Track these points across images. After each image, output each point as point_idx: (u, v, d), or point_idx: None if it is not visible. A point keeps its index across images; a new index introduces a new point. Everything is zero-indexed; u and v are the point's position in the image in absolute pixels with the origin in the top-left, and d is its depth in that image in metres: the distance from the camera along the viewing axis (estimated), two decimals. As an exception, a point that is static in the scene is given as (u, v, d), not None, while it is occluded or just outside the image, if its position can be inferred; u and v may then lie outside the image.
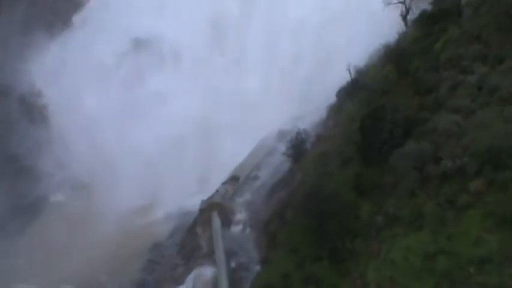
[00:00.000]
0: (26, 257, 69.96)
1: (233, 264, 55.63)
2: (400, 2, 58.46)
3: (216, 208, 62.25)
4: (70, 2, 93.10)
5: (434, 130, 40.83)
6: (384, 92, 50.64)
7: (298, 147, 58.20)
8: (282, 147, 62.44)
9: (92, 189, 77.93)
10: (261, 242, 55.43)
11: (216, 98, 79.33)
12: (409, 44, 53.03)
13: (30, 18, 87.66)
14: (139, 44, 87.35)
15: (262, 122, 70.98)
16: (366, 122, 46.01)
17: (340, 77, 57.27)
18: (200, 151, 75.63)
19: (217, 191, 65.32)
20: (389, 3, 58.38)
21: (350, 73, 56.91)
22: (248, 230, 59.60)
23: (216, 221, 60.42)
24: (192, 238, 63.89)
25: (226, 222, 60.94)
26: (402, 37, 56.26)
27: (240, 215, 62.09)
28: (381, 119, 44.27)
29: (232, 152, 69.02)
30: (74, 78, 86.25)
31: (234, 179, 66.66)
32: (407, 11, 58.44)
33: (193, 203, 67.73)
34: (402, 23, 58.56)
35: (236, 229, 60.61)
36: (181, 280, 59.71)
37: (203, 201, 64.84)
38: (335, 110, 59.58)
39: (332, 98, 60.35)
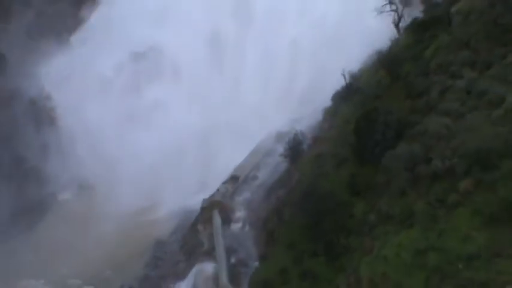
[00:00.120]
0: (34, 253, 69.91)
1: (233, 260, 55.66)
2: (393, 10, 58.52)
3: (216, 206, 62.28)
4: (75, 16, 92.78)
5: (425, 132, 40.93)
6: (377, 95, 50.75)
7: (295, 148, 58.28)
8: (280, 149, 62.58)
9: (98, 189, 77.87)
10: (260, 239, 55.45)
11: (214, 110, 78.85)
12: (401, 50, 53.08)
13: (39, 25, 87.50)
14: (139, 57, 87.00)
15: (259, 133, 70.99)
16: (359, 124, 46.13)
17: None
18: (199, 158, 75.26)
19: (218, 190, 65.38)
20: (382, 12, 58.46)
21: (345, 78, 57.00)
22: (247, 228, 59.62)
23: (217, 219, 60.46)
24: (193, 235, 63.90)
25: (227, 220, 60.98)
26: (394, 44, 56.30)
27: (240, 213, 62.11)
28: (374, 122, 44.42)
29: (230, 159, 68.72)
30: (80, 84, 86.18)
31: (234, 178, 66.73)
32: (400, 18, 58.49)
33: (194, 202, 67.66)
34: (395, 30, 58.59)
35: (236, 227, 60.65)
36: (183, 275, 59.74)
37: (204, 200, 64.88)
38: (330, 113, 59.62)
39: (328, 102, 60.41)
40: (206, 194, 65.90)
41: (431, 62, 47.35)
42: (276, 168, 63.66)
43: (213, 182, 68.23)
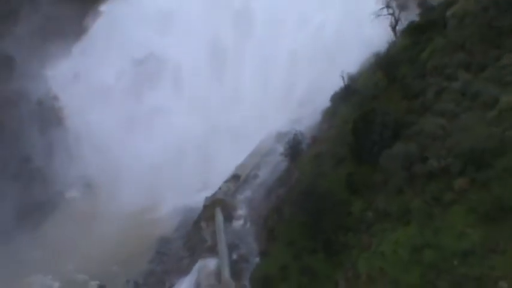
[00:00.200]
0: (42, 249, 69.92)
1: (235, 256, 55.60)
2: (390, 14, 58.55)
3: (219, 204, 62.24)
4: (81, 20, 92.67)
5: (421, 132, 40.96)
6: (374, 97, 50.77)
7: (295, 148, 58.30)
8: (280, 148, 62.64)
9: (103, 187, 77.75)
10: (261, 236, 55.44)
11: (213, 116, 78.55)
12: (398, 53, 53.10)
13: (46, 28, 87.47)
14: (142, 63, 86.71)
15: (257, 138, 70.97)
16: (357, 124, 46.12)
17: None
18: (199, 160, 75.02)
19: (220, 188, 65.32)
20: (379, 15, 58.47)
21: (343, 79, 57.02)
22: (248, 225, 59.58)
23: (219, 216, 60.43)
24: (196, 232, 63.90)
25: (228, 217, 60.93)
26: (391, 46, 56.33)
27: (241, 211, 62.04)
28: (371, 122, 44.40)
29: (229, 161, 68.54)
30: (85, 87, 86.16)
31: (235, 177, 66.68)
32: (397, 22, 58.53)
33: (197, 200, 67.69)
34: (392, 33, 58.60)
35: (237, 224, 60.58)
36: (186, 271, 59.73)
37: (207, 198, 64.87)
38: (329, 114, 59.63)
39: (327, 103, 60.42)
40: (208, 193, 65.82)
41: (427, 64, 47.36)
42: (276, 167, 63.63)
43: (213, 183, 68.01)
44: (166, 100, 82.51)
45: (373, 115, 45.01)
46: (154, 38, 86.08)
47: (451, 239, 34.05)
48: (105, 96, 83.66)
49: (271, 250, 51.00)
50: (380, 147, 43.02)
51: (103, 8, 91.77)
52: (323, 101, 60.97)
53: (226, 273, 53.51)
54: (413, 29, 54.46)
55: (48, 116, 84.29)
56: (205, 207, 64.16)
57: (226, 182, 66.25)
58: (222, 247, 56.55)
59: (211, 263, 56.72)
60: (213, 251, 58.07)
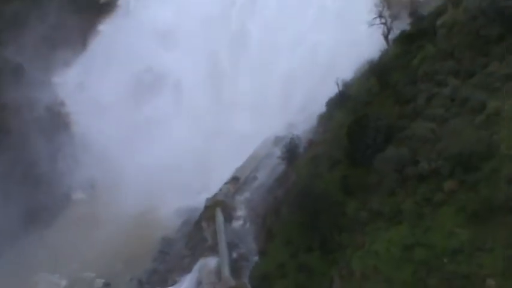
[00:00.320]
0: (50, 249, 69.86)
1: (234, 255, 55.60)
2: (382, 23, 58.55)
3: (219, 205, 62.21)
4: (89, 30, 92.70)
5: (412, 136, 41.03)
6: (367, 102, 50.81)
7: (292, 151, 58.34)
8: (278, 152, 62.73)
9: (108, 190, 77.57)
10: (259, 235, 55.47)
11: (210, 131, 78.20)
12: (390, 60, 53.12)
13: (54, 37, 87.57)
14: (144, 76, 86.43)
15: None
16: (352, 129, 46.18)
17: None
18: (198, 167, 74.47)
19: (220, 190, 65.26)
20: (372, 24, 58.51)
21: (338, 86, 57.04)
22: (248, 225, 59.58)
23: (220, 217, 60.42)
24: (198, 232, 63.87)
25: (229, 217, 60.92)
26: (384, 54, 56.31)
27: (241, 212, 62.03)
28: (365, 127, 44.47)
29: (226, 170, 68.30)
30: (89, 95, 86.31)
31: (235, 179, 66.66)
32: (389, 31, 58.50)
33: (198, 201, 67.71)
34: (384, 42, 58.65)
35: (237, 224, 60.58)
36: (188, 269, 59.71)
37: (208, 199, 64.87)
38: (325, 119, 59.60)
39: (322, 108, 60.44)
40: (209, 194, 65.84)
41: (418, 71, 47.38)
42: (274, 169, 63.62)
43: (212, 186, 67.82)
44: (166, 112, 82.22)
45: (366, 120, 45.11)
46: (154, 53, 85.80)
47: (441, 238, 34.11)
48: (107, 106, 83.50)
49: (269, 249, 51.04)
50: (373, 151, 43.07)
51: (102, 27, 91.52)
52: (318, 106, 60.92)
53: (226, 271, 53.53)
54: (404, 38, 54.52)
55: (55, 121, 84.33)
56: (206, 208, 64.15)
57: (226, 183, 66.25)
58: (222, 246, 56.55)
59: (212, 262, 56.70)
60: (213, 250, 58.05)
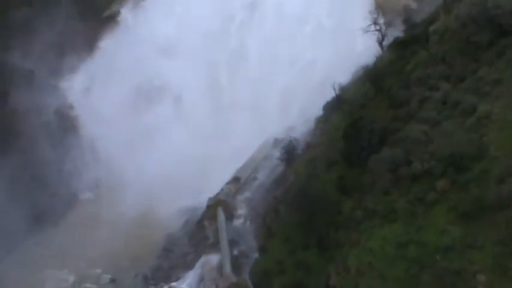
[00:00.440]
0: (58, 247, 69.87)
1: (235, 252, 55.56)
2: (377, 30, 58.60)
3: (220, 204, 62.20)
4: (95, 37, 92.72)
5: (406, 138, 40.98)
6: (363, 106, 50.82)
7: (290, 153, 58.39)
8: (277, 153, 62.82)
9: (115, 190, 77.52)
10: (259, 234, 55.43)
11: (210, 137, 77.94)
12: (385, 66, 53.13)
13: (63, 43, 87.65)
14: (147, 85, 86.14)
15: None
16: (348, 131, 46.21)
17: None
18: (198, 171, 74.14)
19: (222, 190, 65.26)
20: (367, 31, 58.54)
21: (335, 90, 57.05)
22: (248, 223, 59.56)
23: (221, 216, 60.40)
24: (200, 230, 63.88)
25: (230, 216, 60.91)
26: (379, 60, 56.34)
27: (241, 210, 62.04)
28: (360, 129, 44.50)
29: (223, 174, 68.18)
30: (94, 101, 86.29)
31: (236, 179, 66.69)
32: (383, 37, 58.55)
33: (200, 201, 67.65)
34: (379, 48, 58.66)
35: (238, 222, 60.57)
36: (191, 266, 59.71)
37: (210, 199, 64.85)
38: (322, 122, 59.63)
39: (319, 112, 60.45)
40: (211, 194, 65.79)
41: (411, 76, 47.36)
42: (274, 170, 63.69)
43: (208, 187, 67.59)
44: (166, 120, 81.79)
45: (362, 123, 45.13)
46: (155, 65, 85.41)
47: (433, 235, 34.07)
48: (110, 111, 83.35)
49: (269, 246, 51.04)
50: (368, 152, 43.06)
51: (102, 43, 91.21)
52: (316, 110, 60.93)
53: (227, 267, 53.49)
54: (398, 44, 54.51)
55: (64, 124, 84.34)
56: (208, 207, 64.16)
57: (227, 184, 66.27)
58: (224, 244, 56.52)
59: (213, 259, 56.69)
60: (215, 247, 58.05)
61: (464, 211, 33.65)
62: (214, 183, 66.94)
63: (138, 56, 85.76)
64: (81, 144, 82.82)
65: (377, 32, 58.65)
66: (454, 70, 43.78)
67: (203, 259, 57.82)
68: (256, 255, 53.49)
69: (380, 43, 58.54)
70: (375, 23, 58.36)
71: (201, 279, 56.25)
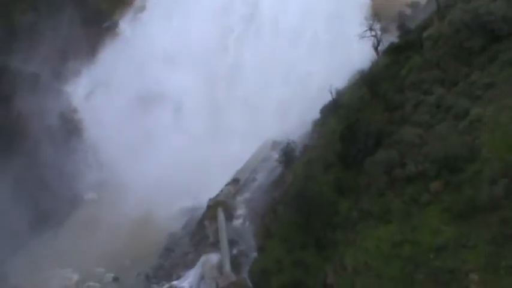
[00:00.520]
0: (63, 246, 69.88)
1: (235, 252, 55.62)
2: (373, 36, 58.64)
3: (220, 205, 62.28)
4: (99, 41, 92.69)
5: (401, 141, 41.02)
6: (359, 109, 50.79)
7: (288, 155, 58.39)
8: (275, 155, 62.84)
9: (118, 191, 77.53)
10: (258, 233, 55.43)
11: (209, 145, 77.95)
12: (380, 70, 53.11)
13: (67, 48, 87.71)
14: (148, 92, 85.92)
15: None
16: (344, 134, 46.22)
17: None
18: (199, 174, 74.03)
19: (221, 191, 65.34)
20: (363, 37, 58.60)
21: (331, 94, 57.11)
22: (247, 223, 59.61)
23: (221, 216, 60.47)
24: (201, 230, 63.92)
25: (229, 216, 60.99)
26: (374, 64, 56.32)
27: (241, 211, 62.11)
28: (356, 132, 44.52)
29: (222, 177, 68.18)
30: (96, 106, 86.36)
31: (235, 181, 66.77)
32: (378, 43, 58.58)
33: (201, 201, 67.67)
34: (374, 53, 58.74)
35: (237, 222, 60.64)
36: (192, 264, 59.76)
37: (210, 200, 64.91)
38: (319, 125, 59.66)
39: (317, 115, 60.52)
40: (211, 195, 65.84)
41: (405, 80, 47.38)
42: (272, 172, 63.75)
43: (207, 189, 67.60)
44: (167, 126, 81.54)
45: (358, 126, 45.16)
46: (154, 76, 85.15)
47: (427, 235, 34.10)
48: (113, 116, 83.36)
49: (267, 246, 50.99)
50: (364, 154, 43.10)
51: (102, 55, 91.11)
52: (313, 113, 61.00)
53: (227, 266, 53.56)
54: (393, 49, 54.54)
55: (68, 127, 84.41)
56: (208, 207, 64.23)
57: (227, 185, 66.35)
58: (224, 243, 56.57)
59: (214, 258, 56.74)
60: (215, 247, 58.13)
61: (457, 211, 33.69)
62: (213, 186, 66.87)
63: (137, 65, 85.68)
64: (84, 146, 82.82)
65: (373, 38, 58.69)
66: (447, 75, 43.84)
67: (203, 258, 57.85)
68: (255, 254, 53.49)
69: (375, 48, 58.58)
70: (371, 28, 58.41)
71: (202, 278, 56.27)
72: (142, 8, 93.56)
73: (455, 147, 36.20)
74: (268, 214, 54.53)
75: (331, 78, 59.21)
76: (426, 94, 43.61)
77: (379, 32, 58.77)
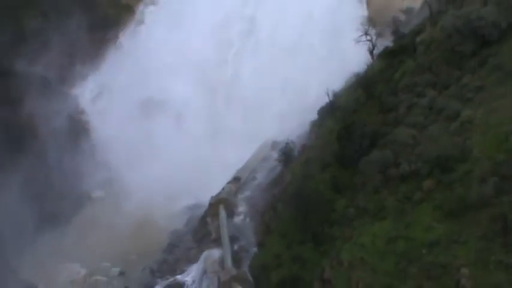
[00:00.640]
0: (71, 242, 69.89)
1: (236, 247, 55.59)
2: (368, 40, 58.72)
3: (222, 202, 62.23)
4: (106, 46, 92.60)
5: (395, 141, 41.14)
6: (355, 111, 50.90)
7: (287, 154, 58.45)
8: (275, 155, 62.92)
9: (124, 188, 77.55)
10: (258, 230, 55.45)
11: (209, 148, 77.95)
12: (375, 74, 53.22)
13: (75, 52, 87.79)
14: (151, 99, 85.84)
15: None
16: (341, 135, 46.37)
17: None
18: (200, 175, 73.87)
19: (223, 189, 65.24)
20: (359, 41, 58.69)
21: (328, 96, 57.19)
22: (248, 220, 59.58)
23: (223, 213, 60.44)
24: (203, 226, 63.92)
25: (231, 213, 60.94)
26: (369, 68, 56.41)
27: (242, 208, 62.06)
28: (352, 133, 44.64)
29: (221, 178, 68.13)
30: (101, 109, 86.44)
31: (236, 179, 66.70)
32: (374, 47, 58.65)
33: (203, 199, 67.68)
34: (369, 57, 58.83)
35: (238, 219, 60.59)
36: (194, 260, 59.76)
37: (212, 197, 64.87)
38: (316, 126, 59.69)
39: (314, 116, 60.60)
40: (213, 193, 65.88)
41: (399, 83, 47.48)
42: (272, 171, 63.76)
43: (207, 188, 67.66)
44: (168, 132, 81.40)
45: (354, 127, 45.27)
46: (155, 86, 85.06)
47: (420, 232, 34.20)
48: (118, 119, 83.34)
49: (267, 242, 51.06)
50: (360, 154, 43.20)
51: (106, 58, 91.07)
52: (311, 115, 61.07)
53: (228, 261, 53.55)
54: (387, 54, 54.65)
55: (76, 128, 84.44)
56: (210, 205, 64.19)
57: (228, 183, 66.29)
58: (225, 239, 56.55)
59: (215, 253, 56.70)
60: (217, 242, 58.06)
61: (449, 209, 33.81)
62: (212, 186, 66.83)
63: (140, 74, 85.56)
64: (91, 147, 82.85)
65: (368, 42, 58.78)
66: (439, 78, 43.96)
67: (206, 253, 57.83)
68: (255, 250, 53.52)
69: (371, 52, 58.68)
70: (366, 33, 58.50)
71: (204, 272, 56.29)
72: (140, 22, 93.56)
73: (447, 147, 36.33)
74: (267, 211, 54.60)
75: (327, 85, 59.14)
76: (419, 96, 43.74)
77: (374, 37, 58.88)
